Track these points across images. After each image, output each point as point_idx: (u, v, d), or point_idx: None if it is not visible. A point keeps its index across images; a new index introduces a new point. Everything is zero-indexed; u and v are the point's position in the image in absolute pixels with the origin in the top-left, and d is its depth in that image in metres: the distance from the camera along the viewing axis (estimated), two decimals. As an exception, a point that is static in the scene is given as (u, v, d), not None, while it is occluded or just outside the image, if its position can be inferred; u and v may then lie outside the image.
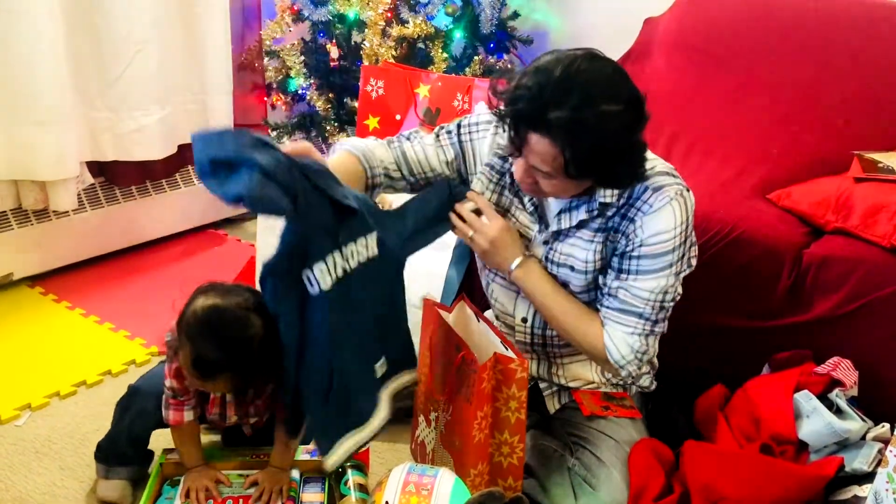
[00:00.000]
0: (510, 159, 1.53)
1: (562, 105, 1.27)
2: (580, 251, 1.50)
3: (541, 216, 1.55)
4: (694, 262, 1.52)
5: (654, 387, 1.72)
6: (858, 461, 1.44)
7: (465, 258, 2.24)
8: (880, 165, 1.79)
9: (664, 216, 1.41)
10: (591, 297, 1.54)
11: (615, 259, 1.47)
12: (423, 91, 2.45)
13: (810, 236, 1.78)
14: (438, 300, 1.99)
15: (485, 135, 1.60)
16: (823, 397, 1.56)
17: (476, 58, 2.76)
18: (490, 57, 2.80)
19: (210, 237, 2.90)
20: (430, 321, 1.60)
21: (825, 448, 1.50)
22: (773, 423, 1.54)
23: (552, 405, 1.67)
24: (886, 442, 1.46)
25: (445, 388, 1.51)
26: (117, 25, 2.36)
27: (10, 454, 1.71)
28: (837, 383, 1.58)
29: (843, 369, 1.60)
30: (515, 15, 2.89)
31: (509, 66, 2.86)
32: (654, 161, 1.47)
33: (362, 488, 1.55)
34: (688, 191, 1.45)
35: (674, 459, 1.55)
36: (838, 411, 1.54)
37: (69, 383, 1.94)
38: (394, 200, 2.04)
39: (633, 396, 1.68)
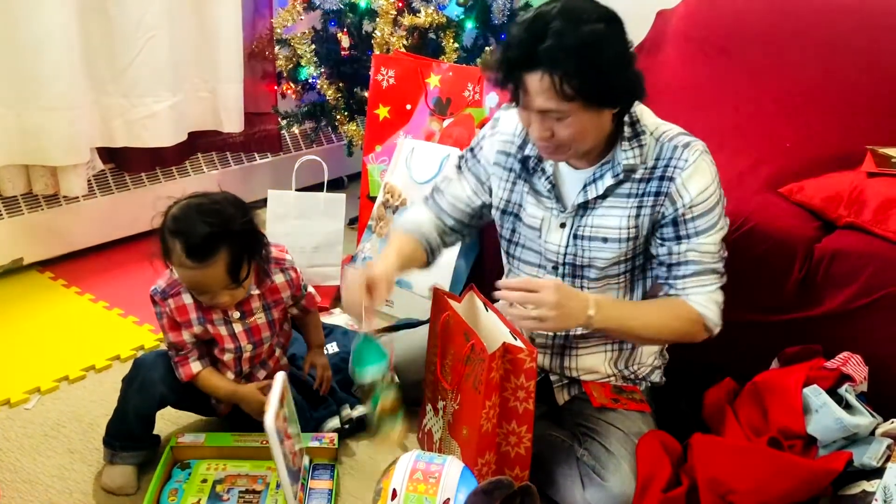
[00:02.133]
0: (513, 150, 1.59)
1: (545, 37, 1.31)
2: (613, 219, 1.51)
3: (558, 197, 1.55)
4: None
5: (663, 381, 1.72)
6: (867, 456, 1.44)
7: (475, 248, 2.24)
8: (894, 160, 1.78)
9: (702, 171, 1.45)
10: (620, 269, 1.55)
11: (668, 229, 1.49)
12: (433, 81, 2.45)
13: (822, 231, 1.77)
14: (447, 290, 1.99)
15: (485, 143, 1.65)
16: (833, 392, 1.55)
17: (487, 48, 2.75)
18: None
19: (219, 225, 2.90)
20: (439, 310, 1.60)
21: (834, 443, 1.50)
22: (781, 417, 1.53)
23: (561, 397, 1.67)
24: (896, 437, 1.45)
25: (453, 377, 1.51)
26: (129, 12, 2.35)
27: (20, 437, 1.72)
28: (847, 378, 1.57)
29: (853, 364, 1.59)
30: (528, 5, 2.87)
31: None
32: (668, 124, 1.51)
33: (392, 409, 1.52)
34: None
35: (682, 452, 1.55)
36: (847, 406, 1.53)
37: (78, 368, 1.95)
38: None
39: (643, 391, 1.68)
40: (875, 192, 1.73)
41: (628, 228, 1.50)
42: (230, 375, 1.64)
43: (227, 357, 1.62)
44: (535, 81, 1.34)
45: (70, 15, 2.20)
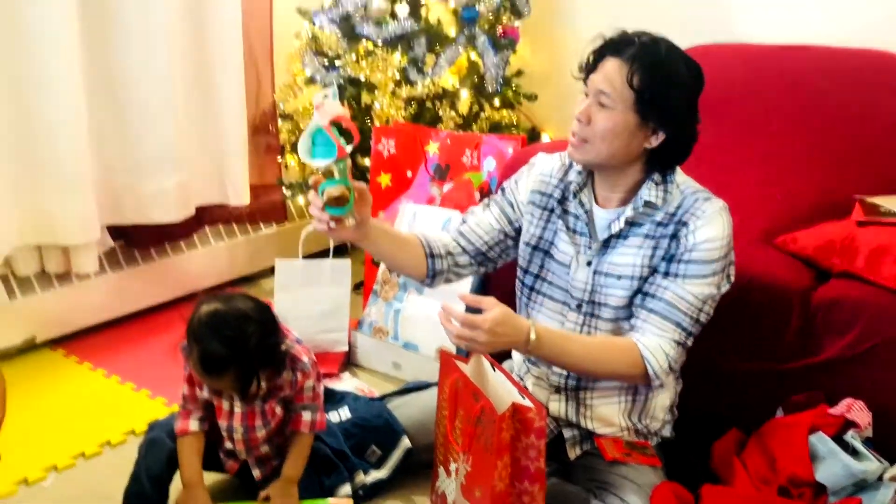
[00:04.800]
0: (550, 189, 1.68)
1: (644, 38, 1.51)
2: (629, 258, 1.57)
3: (590, 234, 1.63)
4: (732, 279, 1.60)
5: (673, 435, 1.74)
6: (877, 502, 1.46)
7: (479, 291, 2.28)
8: (882, 209, 1.84)
9: (715, 224, 1.52)
10: (630, 312, 1.59)
11: (664, 263, 1.54)
12: (432, 148, 2.52)
13: (817, 280, 1.82)
14: (454, 352, 2.02)
15: (520, 183, 1.74)
16: (839, 439, 1.58)
17: (483, 115, 2.83)
18: (496, 114, 2.88)
19: (227, 295, 2.94)
20: (447, 373, 1.63)
21: (843, 490, 1.52)
22: (789, 465, 1.55)
23: (573, 452, 1.69)
24: (903, 482, 1.47)
25: (464, 439, 1.53)
26: (137, 93, 2.43)
27: (38, 515, 1.73)
28: (852, 424, 1.60)
29: (857, 410, 1.63)
30: (519, 73, 2.98)
31: (515, 122, 2.94)
32: (697, 184, 1.60)
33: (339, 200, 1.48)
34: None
35: (693, 503, 1.57)
36: (854, 452, 1.55)
37: (94, 443, 1.97)
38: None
39: (654, 446, 1.70)
40: (866, 240, 1.78)
41: (642, 267, 1.56)
42: (228, 445, 1.67)
43: (223, 432, 1.66)
44: (610, 65, 1.50)
45: (80, 100, 2.28)
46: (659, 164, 1.56)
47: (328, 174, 1.46)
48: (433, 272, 1.72)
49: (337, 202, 1.47)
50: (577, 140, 1.56)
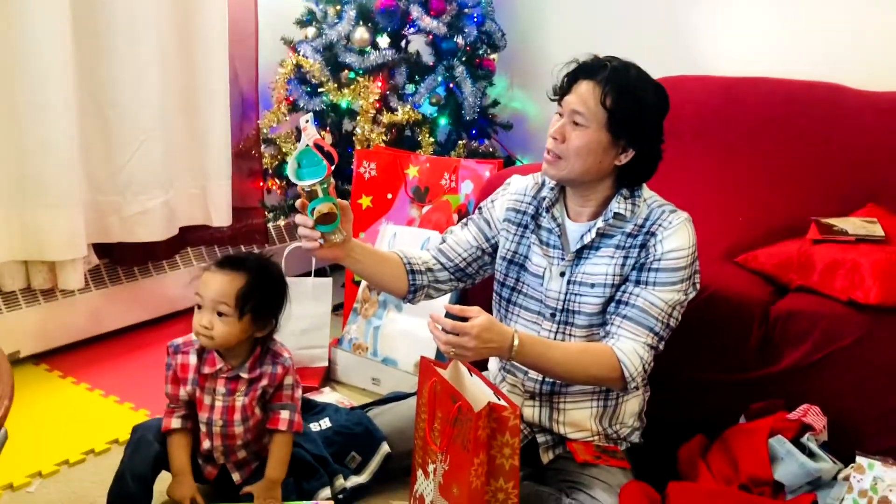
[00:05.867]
0: (523, 206, 1.79)
1: (615, 63, 1.61)
2: (601, 267, 1.67)
3: (563, 246, 1.72)
4: (698, 286, 1.69)
5: (641, 442, 1.82)
6: (830, 498, 1.55)
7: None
8: (835, 228, 1.96)
9: (681, 234, 1.63)
10: (603, 319, 1.68)
11: (634, 272, 1.64)
12: (412, 171, 2.62)
13: (776, 294, 1.93)
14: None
15: (496, 202, 1.85)
16: (796, 441, 1.67)
17: (460, 142, 2.94)
18: (473, 141, 2.99)
19: (207, 316, 2.98)
20: (426, 377, 1.70)
21: (799, 488, 1.61)
22: (750, 465, 1.64)
23: (546, 456, 1.77)
24: (855, 478, 1.56)
25: (443, 439, 1.60)
26: (126, 115, 2.51)
27: (22, 520, 1.76)
28: (808, 428, 1.69)
29: (813, 415, 1.72)
30: (495, 103, 3.10)
31: (491, 150, 3.06)
32: (662, 199, 1.71)
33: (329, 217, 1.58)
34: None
35: (661, 502, 1.64)
36: (810, 454, 1.65)
37: (78, 451, 2.00)
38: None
39: (623, 451, 1.78)
40: (820, 256, 1.89)
41: (614, 276, 1.66)
42: (206, 444, 1.72)
43: (202, 427, 1.72)
44: (584, 87, 1.60)
45: (71, 120, 2.35)
46: (627, 180, 1.67)
47: (313, 194, 1.56)
48: (414, 287, 1.81)
49: (325, 219, 1.56)
50: (551, 157, 1.66)
